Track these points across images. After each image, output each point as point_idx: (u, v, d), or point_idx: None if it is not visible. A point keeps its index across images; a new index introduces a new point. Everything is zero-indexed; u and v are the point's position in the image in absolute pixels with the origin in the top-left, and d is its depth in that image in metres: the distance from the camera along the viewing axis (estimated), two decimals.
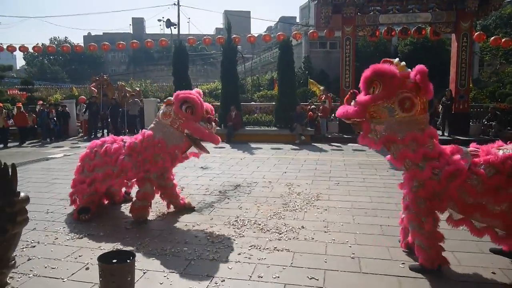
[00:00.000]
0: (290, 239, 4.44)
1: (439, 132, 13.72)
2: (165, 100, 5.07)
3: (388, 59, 3.67)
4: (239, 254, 4.03)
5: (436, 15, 13.97)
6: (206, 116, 4.87)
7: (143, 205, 5.04)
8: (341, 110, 3.87)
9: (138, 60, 61.44)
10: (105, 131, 16.67)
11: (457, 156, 3.43)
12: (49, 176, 8.13)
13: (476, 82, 23.81)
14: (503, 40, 15.42)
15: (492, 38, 15.75)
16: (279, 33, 16.29)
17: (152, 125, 5.13)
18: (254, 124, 14.99)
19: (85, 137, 15.82)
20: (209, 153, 5.25)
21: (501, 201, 3.29)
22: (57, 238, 4.52)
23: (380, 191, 6.61)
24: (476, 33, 15.22)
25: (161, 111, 5.01)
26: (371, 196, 6.24)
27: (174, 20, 26.64)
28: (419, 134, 3.48)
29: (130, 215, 5.11)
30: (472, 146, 3.65)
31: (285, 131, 14.01)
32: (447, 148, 3.60)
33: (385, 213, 5.35)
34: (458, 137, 13.29)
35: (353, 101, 3.71)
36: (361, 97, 3.61)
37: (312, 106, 14.36)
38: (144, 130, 5.18)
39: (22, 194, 1.17)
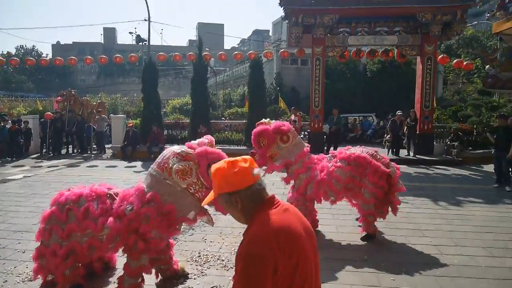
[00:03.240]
0: None
1: (405, 152, 14.11)
2: (182, 152, 3.58)
3: (261, 121, 5.56)
4: None
5: (402, 38, 14.41)
6: None
7: (136, 284, 3.78)
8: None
9: (109, 71, 60.38)
10: (70, 148, 16.24)
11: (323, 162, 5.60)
12: (5, 202, 7.73)
13: (440, 100, 24.66)
14: (464, 63, 16.07)
15: (455, 61, 16.38)
16: (250, 51, 16.33)
17: (151, 179, 3.72)
18: (224, 142, 14.90)
19: (46, 155, 15.26)
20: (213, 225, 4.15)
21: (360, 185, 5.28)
22: (6, 281, 4.26)
23: (346, 218, 6.60)
24: (440, 56, 15.81)
25: (175, 166, 3.54)
26: (337, 226, 6.23)
27: (146, 32, 26.19)
28: (302, 152, 5.53)
29: None
30: (331, 153, 5.75)
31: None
32: (316, 157, 5.71)
33: (349, 245, 5.36)
34: (423, 157, 13.68)
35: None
36: (260, 151, 5.38)
37: None
38: (140, 184, 3.78)
39: None
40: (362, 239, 5.48)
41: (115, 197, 3.86)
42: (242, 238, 1.70)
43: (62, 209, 3.78)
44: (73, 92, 16.70)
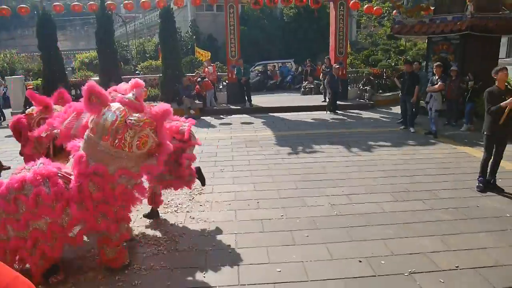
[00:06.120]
0: (169, 251, 4.20)
1: (322, 98, 14.46)
2: (136, 122, 3.36)
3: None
4: (115, 277, 3.68)
5: None
6: None
7: (121, 250, 3.82)
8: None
9: (4, 22, 52.73)
10: None
11: None
12: None
13: (354, 44, 25.49)
14: (374, 8, 16.50)
15: (366, 6, 16.74)
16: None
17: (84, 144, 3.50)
18: None
19: None
20: None
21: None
22: None
23: (263, 174, 6.66)
24: (351, 2, 15.96)
25: (135, 138, 3.38)
26: (255, 183, 6.23)
27: None
28: None
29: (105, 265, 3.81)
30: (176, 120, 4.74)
31: (172, 106, 13.44)
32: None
33: (266, 203, 5.38)
34: (339, 102, 14.13)
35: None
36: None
37: (198, 79, 13.90)
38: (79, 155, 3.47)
39: None
40: (146, 216, 4.96)
41: (69, 177, 3.48)
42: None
43: (8, 199, 3.29)
44: None
